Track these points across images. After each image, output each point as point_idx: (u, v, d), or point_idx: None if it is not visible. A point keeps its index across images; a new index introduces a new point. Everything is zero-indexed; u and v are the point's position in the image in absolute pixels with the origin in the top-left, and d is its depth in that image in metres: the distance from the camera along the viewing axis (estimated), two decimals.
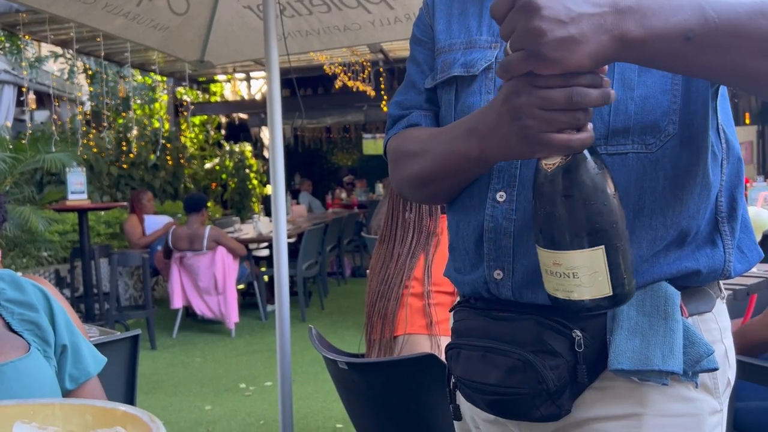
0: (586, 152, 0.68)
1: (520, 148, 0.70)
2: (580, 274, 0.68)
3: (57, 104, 7.25)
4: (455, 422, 1.02)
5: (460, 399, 0.96)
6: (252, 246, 6.12)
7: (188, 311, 5.53)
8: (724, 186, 0.84)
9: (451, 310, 1.00)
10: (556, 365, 0.80)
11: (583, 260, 0.67)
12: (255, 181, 10.59)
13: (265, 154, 11.17)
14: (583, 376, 0.80)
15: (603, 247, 0.67)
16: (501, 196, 0.85)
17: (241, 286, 6.28)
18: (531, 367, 0.80)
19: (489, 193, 0.86)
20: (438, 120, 0.96)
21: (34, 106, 6.63)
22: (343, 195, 10.18)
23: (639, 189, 0.79)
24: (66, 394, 1.03)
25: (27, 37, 6.04)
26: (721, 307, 0.88)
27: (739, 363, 1.62)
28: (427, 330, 1.59)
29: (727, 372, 0.87)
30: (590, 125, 0.68)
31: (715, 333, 0.86)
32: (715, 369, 0.80)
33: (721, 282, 0.90)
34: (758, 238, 2.17)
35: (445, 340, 1.62)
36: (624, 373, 0.79)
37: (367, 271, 1.83)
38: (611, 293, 0.68)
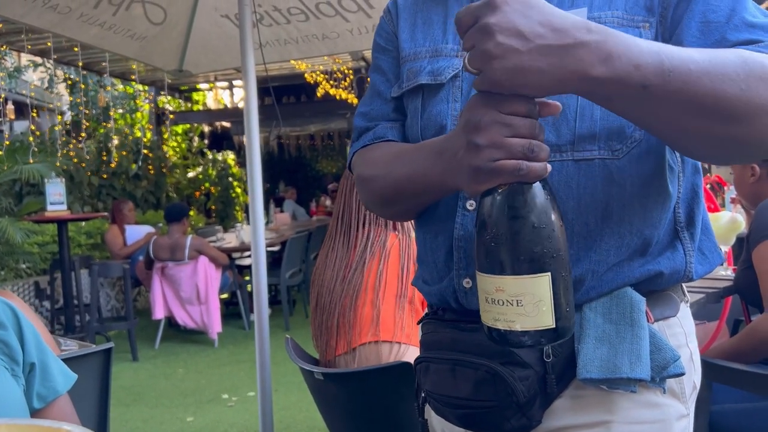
0: None
1: (470, 175, 0.69)
2: (525, 301, 0.65)
3: (36, 114, 7.18)
4: None
5: (431, 413, 0.96)
6: (235, 255, 6.08)
7: (170, 322, 5.48)
8: (682, 198, 0.85)
9: (419, 323, 1.00)
10: (526, 376, 0.80)
11: (529, 287, 0.65)
12: (238, 190, 10.54)
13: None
14: (553, 386, 0.81)
15: (549, 274, 0.65)
16: (471, 204, 0.85)
17: (225, 296, 6.24)
18: (500, 379, 0.80)
19: (459, 201, 0.86)
20: (405, 130, 0.96)
21: (12, 116, 6.55)
22: (328, 202, 10.16)
23: (606, 196, 0.80)
24: (34, 413, 1.01)
25: (4, 47, 5.98)
26: (685, 311, 0.89)
27: (713, 366, 1.65)
28: (378, 337, 1.62)
29: (693, 376, 0.87)
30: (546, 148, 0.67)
31: (681, 337, 0.86)
32: (682, 374, 0.80)
33: (684, 286, 0.91)
34: (733, 241, 2.20)
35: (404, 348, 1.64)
36: (593, 382, 0.79)
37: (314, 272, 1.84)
38: (554, 325, 0.65)
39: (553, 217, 0.66)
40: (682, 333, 0.87)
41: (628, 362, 0.78)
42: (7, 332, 0.99)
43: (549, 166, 0.66)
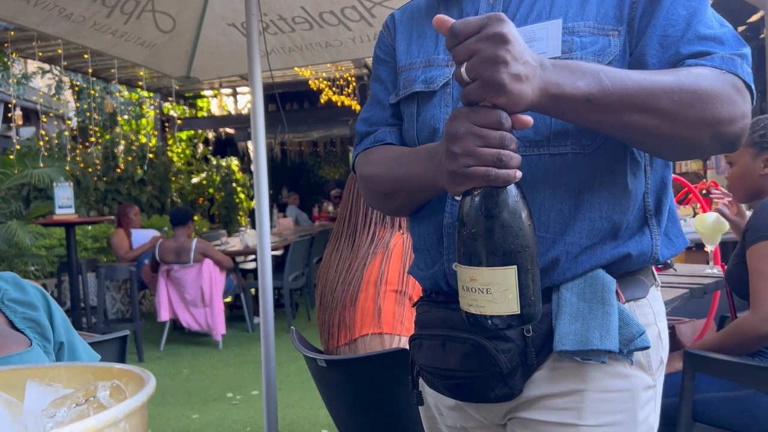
0: None
1: (448, 178, 0.79)
2: (493, 290, 0.74)
3: (44, 120, 7.30)
4: (420, 409, 1.10)
5: (424, 387, 1.05)
6: (239, 259, 6.17)
7: (175, 324, 5.57)
8: (651, 189, 0.94)
9: (414, 305, 1.09)
10: (508, 349, 0.89)
11: (497, 277, 0.74)
12: (242, 195, 10.66)
13: (252, 168, 11.23)
14: (532, 359, 0.90)
15: (515, 267, 0.74)
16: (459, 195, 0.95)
17: (228, 299, 6.33)
18: (485, 352, 0.89)
19: (448, 193, 0.96)
20: (402, 133, 1.07)
21: (20, 122, 6.68)
22: (330, 208, 10.26)
23: (578, 184, 0.89)
24: None
25: (14, 54, 6.11)
26: (655, 294, 0.98)
27: (696, 357, 1.73)
28: (380, 329, 1.70)
29: (660, 352, 0.96)
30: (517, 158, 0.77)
31: (650, 316, 0.96)
32: (647, 347, 0.89)
33: (655, 271, 1.00)
34: (718, 240, 2.28)
35: (398, 339, 1.72)
36: (567, 353, 0.88)
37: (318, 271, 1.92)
38: (519, 312, 0.75)
39: (523, 217, 0.76)
40: (651, 313, 0.96)
41: (599, 335, 0.87)
42: (39, 313, 1.08)
43: (519, 173, 0.76)
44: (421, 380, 1.05)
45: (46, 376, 0.56)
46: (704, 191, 4.18)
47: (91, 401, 0.51)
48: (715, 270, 2.27)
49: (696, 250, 3.52)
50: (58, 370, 0.57)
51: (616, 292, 0.90)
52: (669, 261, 1.43)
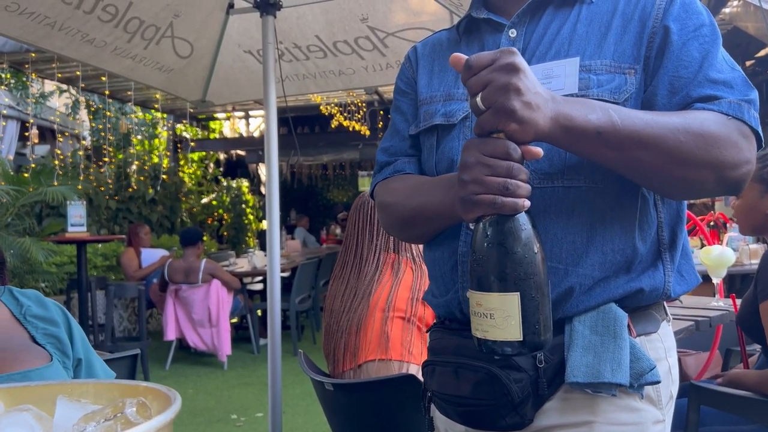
0: None
1: (460, 205, 0.82)
2: (496, 315, 0.76)
3: (60, 139, 7.43)
4: None
5: (435, 412, 1.07)
6: (246, 280, 6.20)
7: (181, 344, 5.58)
8: (665, 222, 0.96)
9: (427, 331, 1.11)
10: (520, 378, 0.91)
11: (499, 303, 0.75)
12: (251, 216, 10.72)
13: (262, 190, 11.34)
14: (544, 389, 0.91)
15: (518, 294, 0.75)
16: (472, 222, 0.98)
17: (235, 320, 6.35)
18: (497, 381, 0.91)
19: (463, 222, 0.98)
20: (420, 164, 1.10)
21: (36, 141, 6.79)
22: (338, 231, 10.29)
23: (591, 217, 0.92)
24: None
25: (34, 75, 6.25)
26: (666, 329, 1.00)
27: (702, 390, 1.74)
28: (387, 356, 1.71)
29: (670, 386, 0.98)
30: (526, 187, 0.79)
31: (660, 351, 0.97)
32: (657, 382, 0.91)
33: (666, 307, 1.02)
34: (723, 274, 2.30)
35: (405, 365, 1.74)
36: (579, 385, 0.90)
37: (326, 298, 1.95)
38: (521, 339, 0.75)
39: (530, 245, 0.77)
40: (662, 348, 0.98)
41: (610, 369, 0.88)
42: (60, 329, 1.12)
43: (527, 202, 0.79)
44: (432, 405, 1.07)
45: (75, 392, 0.60)
46: (712, 223, 4.18)
47: (118, 417, 0.54)
48: (720, 303, 2.27)
49: (702, 282, 3.51)
50: (87, 386, 0.60)
51: (628, 326, 0.92)
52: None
